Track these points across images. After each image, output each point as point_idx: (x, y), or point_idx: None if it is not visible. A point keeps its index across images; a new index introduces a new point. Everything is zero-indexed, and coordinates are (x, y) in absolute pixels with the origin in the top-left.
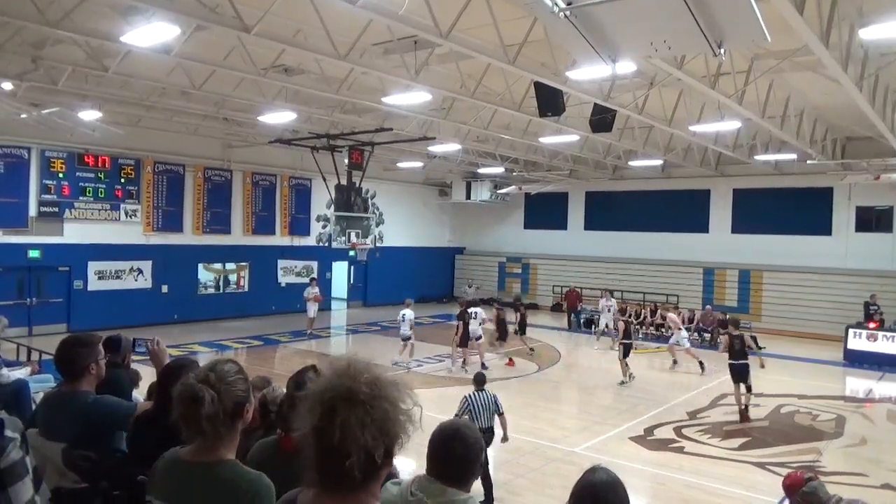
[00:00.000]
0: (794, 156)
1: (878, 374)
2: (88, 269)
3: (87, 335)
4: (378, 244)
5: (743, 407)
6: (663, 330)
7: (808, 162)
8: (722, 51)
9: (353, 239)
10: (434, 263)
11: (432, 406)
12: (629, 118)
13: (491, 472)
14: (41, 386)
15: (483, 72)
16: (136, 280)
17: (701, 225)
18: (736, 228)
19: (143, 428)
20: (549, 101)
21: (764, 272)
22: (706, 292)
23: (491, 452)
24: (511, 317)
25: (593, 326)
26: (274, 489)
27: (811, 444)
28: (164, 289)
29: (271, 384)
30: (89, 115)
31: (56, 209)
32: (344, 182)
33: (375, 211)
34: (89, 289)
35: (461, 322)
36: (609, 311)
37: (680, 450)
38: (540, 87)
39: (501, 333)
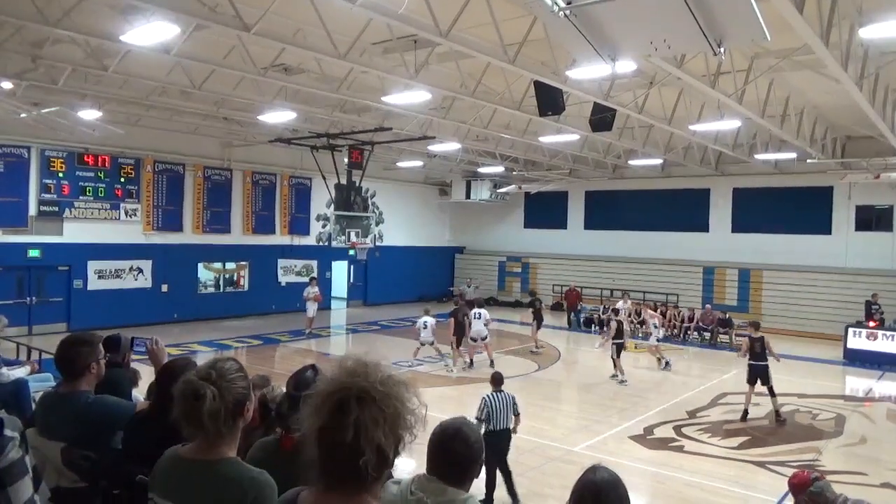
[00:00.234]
0: (793, 155)
1: (877, 374)
2: (88, 269)
3: (87, 334)
4: (378, 243)
5: (774, 411)
6: (643, 328)
7: (808, 161)
8: (722, 50)
9: (353, 238)
10: (434, 263)
11: (432, 406)
12: (629, 117)
13: (497, 472)
14: (41, 385)
15: (483, 71)
16: (135, 279)
17: (701, 224)
18: (736, 228)
19: (138, 426)
20: (549, 101)
21: (764, 271)
22: (706, 291)
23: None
24: (527, 317)
25: (593, 326)
26: (276, 487)
27: (811, 444)
28: (164, 288)
29: (270, 383)
30: (89, 114)
31: (56, 208)
32: (344, 181)
33: (375, 210)
34: (89, 288)
35: (453, 319)
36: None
37: (679, 449)
38: (540, 87)
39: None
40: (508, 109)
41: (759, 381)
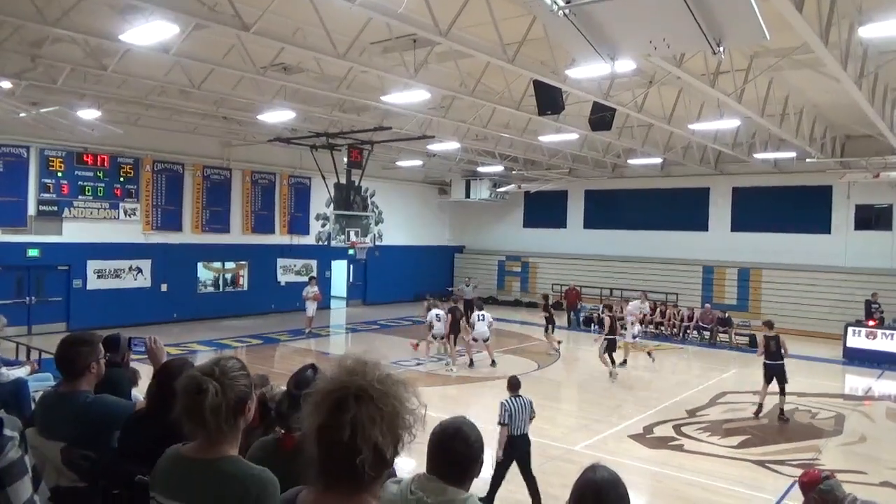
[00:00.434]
0: (793, 154)
1: (877, 372)
2: (88, 268)
3: (87, 334)
4: (377, 243)
5: (779, 409)
6: (620, 323)
7: (808, 160)
8: (721, 49)
9: (353, 237)
10: (433, 262)
11: (432, 406)
12: (628, 116)
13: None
14: (40, 385)
15: (482, 70)
16: (135, 279)
17: (700, 223)
18: (735, 227)
19: (134, 425)
20: (549, 100)
21: (763, 270)
22: (705, 290)
23: (489, 451)
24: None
25: (592, 325)
26: (279, 484)
27: (810, 442)
28: (164, 287)
29: (269, 383)
30: (88, 113)
31: (55, 208)
32: (343, 181)
33: (375, 209)
34: (88, 288)
35: (451, 317)
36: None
37: (679, 448)
38: (539, 86)
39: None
40: (508, 109)
41: (774, 380)
